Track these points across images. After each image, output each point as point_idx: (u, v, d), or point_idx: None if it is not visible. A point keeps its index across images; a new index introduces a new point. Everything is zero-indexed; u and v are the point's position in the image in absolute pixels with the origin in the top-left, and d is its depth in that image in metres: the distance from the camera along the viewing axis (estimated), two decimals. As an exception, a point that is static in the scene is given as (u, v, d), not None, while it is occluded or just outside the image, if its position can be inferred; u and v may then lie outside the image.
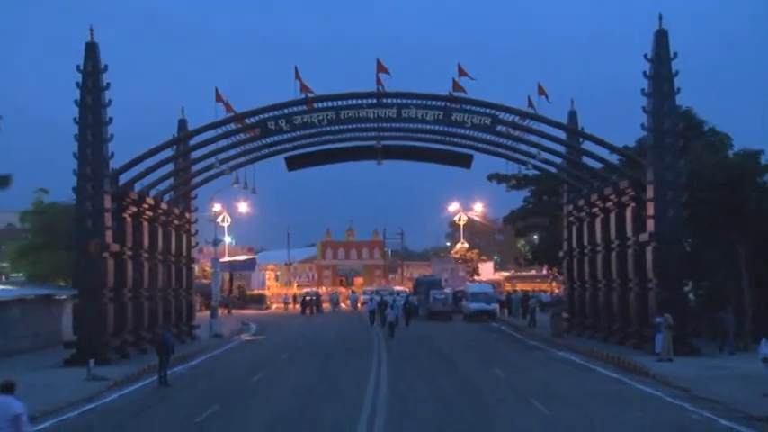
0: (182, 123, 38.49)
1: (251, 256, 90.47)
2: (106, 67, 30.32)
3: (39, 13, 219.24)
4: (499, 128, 33.88)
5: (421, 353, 33.37)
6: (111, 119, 30.52)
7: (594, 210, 36.82)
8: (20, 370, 22.96)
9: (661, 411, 18.71)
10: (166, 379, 24.04)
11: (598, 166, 35.84)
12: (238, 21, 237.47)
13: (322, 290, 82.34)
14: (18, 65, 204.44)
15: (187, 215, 40.85)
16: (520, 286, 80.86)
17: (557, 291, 62.97)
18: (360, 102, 33.65)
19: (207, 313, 50.25)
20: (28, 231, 51.87)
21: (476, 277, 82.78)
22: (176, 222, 38.75)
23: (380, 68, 33.08)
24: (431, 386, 23.35)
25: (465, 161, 37.11)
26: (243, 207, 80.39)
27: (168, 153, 34.56)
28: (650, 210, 30.40)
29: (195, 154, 35.76)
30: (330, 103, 33.43)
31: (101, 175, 29.95)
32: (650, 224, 30.34)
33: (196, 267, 51.41)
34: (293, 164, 36.64)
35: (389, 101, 33.55)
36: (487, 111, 33.62)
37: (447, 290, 62.97)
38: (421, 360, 30.64)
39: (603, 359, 29.22)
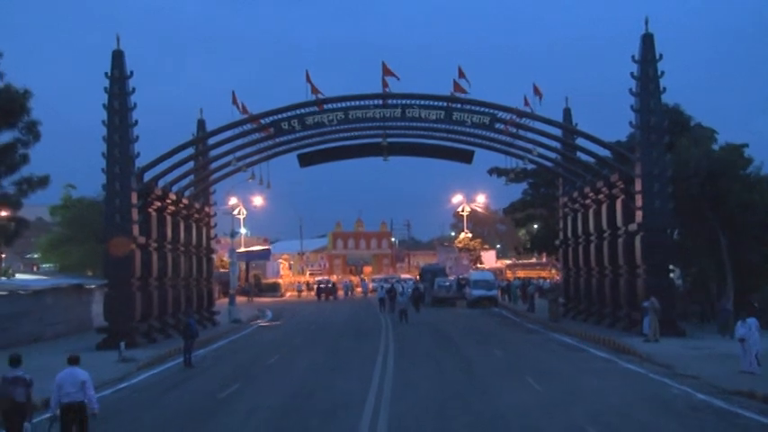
0: (200, 123, 40.24)
1: (266, 247, 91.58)
2: (132, 73, 31.80)
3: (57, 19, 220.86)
4: (498, 126, 35.26)
5: (425, 336, 34.62)
6: (136, 121, 31.96)
7: (588, 201, 38.05)
8: (57, 353, 23.28)
9: (643, 385, 19.80)
10: (191, 360, 25.52)
11: (591, 160, 37.28)
12: (252, 25, 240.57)
13: (333, 278, 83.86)
14: (36, 66, 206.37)
15: (206, 209, 42.36)
16: (520, 273, 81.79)
17: (556, 278, 64.45)
18: (367, 103, 35.30)
19: (225, 300, 51.78)
20: (57, 224, 53.35)
21: (478, 265, 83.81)
22: (197, 216, 40.32)
23: (386, 71, 34.78)
24: (433, 365, 24.59)
25: (466, 156, 38.39)
26: (258, 200, 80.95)
27: (189, 152, 36.16)
28: (638, 201, 31.61)
29: (214, 152, 37.43)
30: (339, 105, 35.07)
31: (128, 173, 31.49)
32: (638, 215, 31.57)
33: (215, 258, 52.82)
34: (305, 160, 37.97)
35: (394, 101, 35.16)
36: (486, 110, 35.10)
37: (451, 277, 64.00)
38: (425, 342, 31.85)
39: (595, 341, 30.43)
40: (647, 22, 31.85)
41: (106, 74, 31.66)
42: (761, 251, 34.17)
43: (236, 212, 73.53)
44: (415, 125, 36.37)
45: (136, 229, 31.78)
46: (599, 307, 37.07)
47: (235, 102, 34.88)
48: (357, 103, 35.33)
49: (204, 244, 42.26)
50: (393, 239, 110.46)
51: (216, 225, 45.97)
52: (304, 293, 77.16)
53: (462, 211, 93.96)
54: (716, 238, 33.64)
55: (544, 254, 64.45)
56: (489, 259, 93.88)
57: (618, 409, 16.65)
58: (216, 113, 39.02)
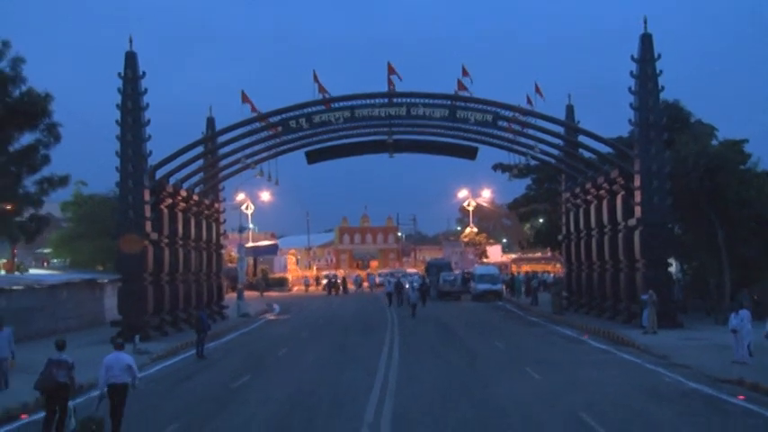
0: (210, 121, 40.86)
1: (273, 242, 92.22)
2: (144, 73, 32.35)
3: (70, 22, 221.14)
4: (501, 123, 35.85)
5: (430, 328, 35.25)
6: (149, 120, 32.58)
7: (589, 197, 38.61)
8: (71, 347, 23.34)
9: (638, 375, 20.45)
10: (203, 353, 26.39)
11: (593, 156, 37.74)
12: (256, 21, 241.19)
13: (340, 272, 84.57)
14: (44, 64, 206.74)
15: (216, 205, 42.99)
16: (526, 268, 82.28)
17: (560, 272, 65.03)
18: (372, 101, 35.95)
19: (233, 295, 52.37)
20: (68, 221, 53.95)
21: (484, 259, 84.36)
22: (206, 212, 40.96)
23: (391, 71, 35.52)
24: (437, 356, 25.23)
25: (470, 153, 39.01)
26: (265, 196, 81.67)
27: (199, 149, 36.85)
28: (638, 197, 32.19)
29: (223, 150, 38.08)
30: (345, 103, 35.75)
31: (140, 171, 32.09)
32: (638, 210, 32.15)
33: (224, 253, 53.40)
34: (312, 157, 38.59)
35: (399, 100, 35.78)
36: (490, 108, 35.69)
37: (456, 272, 64.65)
38: (430, 335, 32.51)
39: (595, 333, 31.08)
40: (645, 22, 32.36)
41: (119, 74, 32.14)
42: (757, 245, 34.66)
43: (244, 208, 74.38)
44: (420, 123, 36.92)
45: (148, 226, 32.38)
46: (600, 300, 37.65)
47: (245, 100, 35.51)
48: (363, 101, 35.96)
49: (214, 239, 42.85)
50: (399, 234, 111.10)
51: (225, 221, 46.54)
52: (312, 288, 77.88)
53: (468, 205, 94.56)
54: (714, 232, 34.11)
55: (547, 248, 64.90)
56: (495, 254, 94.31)
57: (612, 398, 17.34)
58: (219, 111, 39.88)
